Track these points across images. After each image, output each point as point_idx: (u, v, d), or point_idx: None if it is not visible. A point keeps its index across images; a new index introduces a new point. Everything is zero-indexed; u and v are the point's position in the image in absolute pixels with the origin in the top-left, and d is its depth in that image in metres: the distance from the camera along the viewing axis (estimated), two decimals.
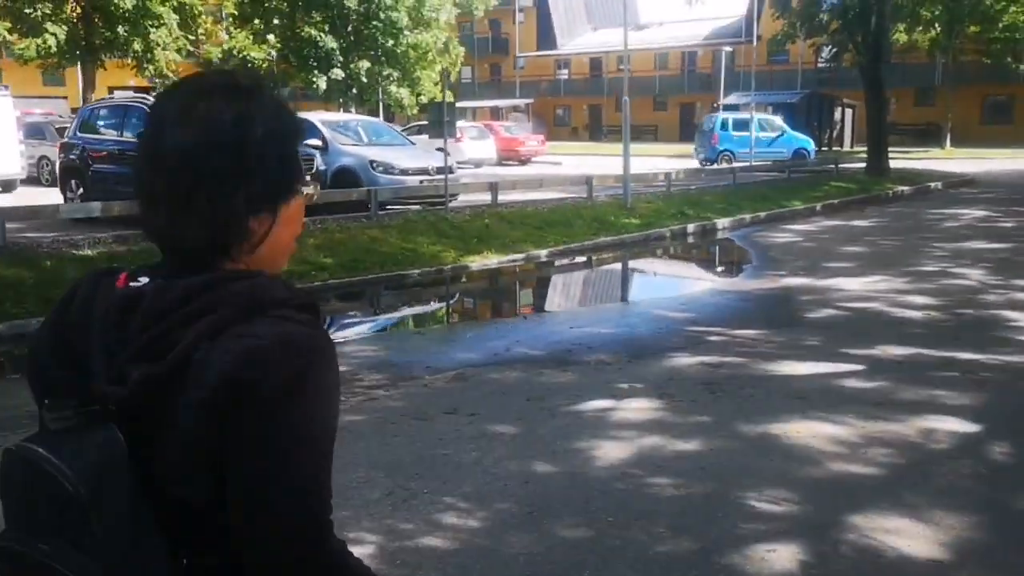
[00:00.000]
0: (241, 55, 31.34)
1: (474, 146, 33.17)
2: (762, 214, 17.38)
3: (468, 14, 37.39)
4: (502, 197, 17.33)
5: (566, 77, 62.21)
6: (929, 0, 24.67)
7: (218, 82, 1.16)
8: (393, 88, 33.98)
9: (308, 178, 1.25)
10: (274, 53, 32.93)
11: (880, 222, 17.03)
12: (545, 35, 62.79)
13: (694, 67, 56.29)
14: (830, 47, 24.56)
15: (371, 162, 14.87)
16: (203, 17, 30.94)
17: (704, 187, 20.64)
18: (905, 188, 22.46)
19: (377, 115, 48.38)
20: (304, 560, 1.04)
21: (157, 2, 27.85)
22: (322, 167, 15.26)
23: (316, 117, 16.08)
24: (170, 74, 29.95)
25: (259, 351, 1.02)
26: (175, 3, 28.62)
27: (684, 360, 7.05)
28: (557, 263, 12.89)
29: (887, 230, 15.81)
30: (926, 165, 29.24)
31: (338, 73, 32.55)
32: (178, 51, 29.85)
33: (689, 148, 45.77)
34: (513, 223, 14.37)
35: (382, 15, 32.37)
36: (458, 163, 32.95)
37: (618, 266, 13.47)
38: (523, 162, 36.27)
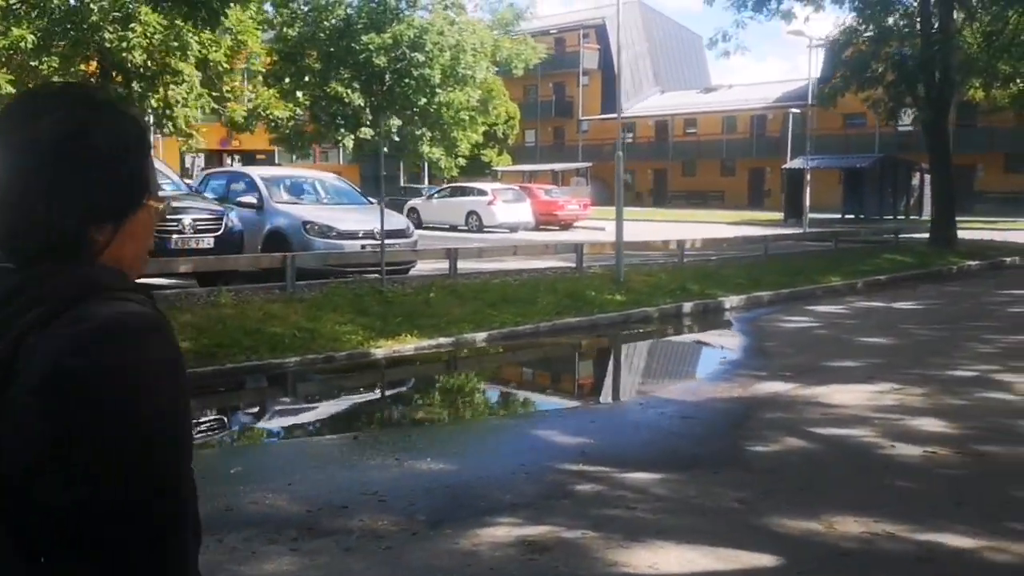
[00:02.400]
0: (266, 113, 29.94)
1: (507, 209, 30.97)
2: (785, 291, 14.59)
3: (508, 73, 35.61)
4: (481, 266, 15.10)
5: (631, 140, 59.99)
6: (1007, 52, 21.58)
7: (66, 91, 1.16)
8: (426, 148, 32.23)
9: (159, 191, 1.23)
10: (300, 112, 31.63)
11: (930, 304, 14.07)
12: (610, 98, 60.89)
13: (764, 130, 53.42)
14: (886, 103, 21.55)
15: (304, 224, 12.73)
16: (230, 75, 29.79)
17: (730, 257, 17.91)
18: (972, 263, 19.22)
19: (420, 175, 47.07)
20: (142, 559, 0.99)
21: (178, 59, 26.78)
22: (262, 227, 13.25)
23: (256, 172, 14.24)
24: (192, 132, 29.04)
25: (88, 334, 1.00)
26: (196, 59, 27.52)
27: (497, 534, 4.50)
28: (486, 351, 10.38)
29: (933, 315, 12.88)
30: (1010, 237, 25.79)
31: (366, 132, 30.99)
32: (200, 108, 28.73)
33: (757, 215, 42.81)
34: (464, 298, 12.00)
35: (415, 72, 30.81)
36: (489, 227, 31.10)
37: (550, 356, 10.80)
38: (564, 227, 33.94)
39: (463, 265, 14.90)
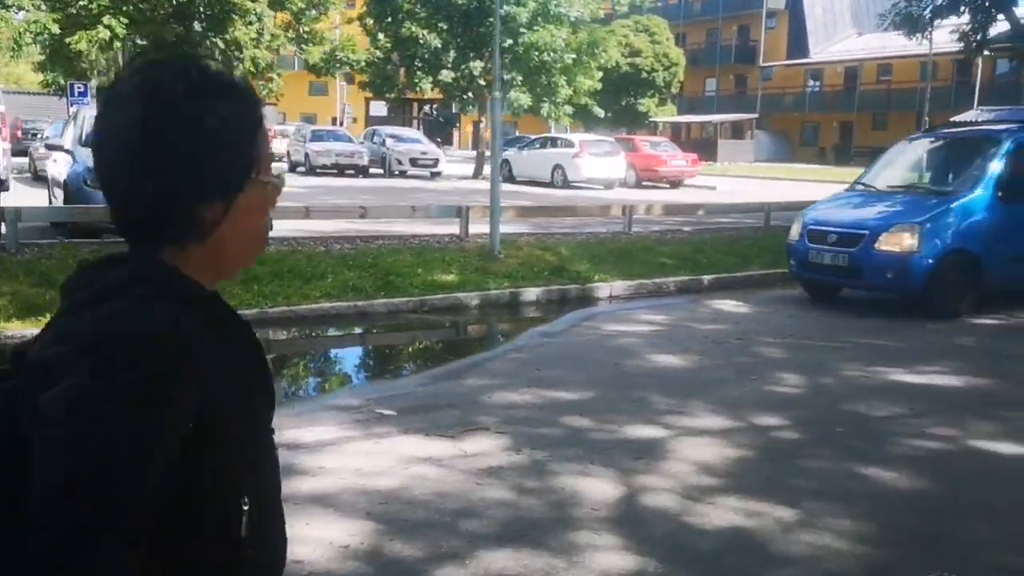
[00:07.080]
0: (343, 55, 28.33)
1: (596, 164, 27.76)
2: (726, 276, 11.08)
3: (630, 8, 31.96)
4: (349, 227, 12.72)
5: (816, 89, 53.80)
6: None
7: (175, 63, 1.09)
8: (514, 93, 29.53)
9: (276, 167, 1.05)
10: (380, 54, 29.89)
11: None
12: (797, 42, 54.88)
13: (969, 77, 45.64)
14: (969, 35, 16.45)
15: (88, 172, 10.86)
16: (309, 16, 28.31)
17: (706, 229, 14.31)
18: None
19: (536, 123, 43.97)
20: (56, 567, 0.95)
21: None
22: None
23: None
24: (272, 76, 28.05)
25: (65, 335, 1.00)
26: None
27: None
28: None
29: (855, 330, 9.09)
30: None
31: (447, 75, 28.82)
32: (272, 51, 27.74)
33: None
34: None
35: (503, 11, 28.12)
36: (575, 182, 27.95)
37: None
38: (673, 185, 30.30)
39: (338, 226, 12.63)
